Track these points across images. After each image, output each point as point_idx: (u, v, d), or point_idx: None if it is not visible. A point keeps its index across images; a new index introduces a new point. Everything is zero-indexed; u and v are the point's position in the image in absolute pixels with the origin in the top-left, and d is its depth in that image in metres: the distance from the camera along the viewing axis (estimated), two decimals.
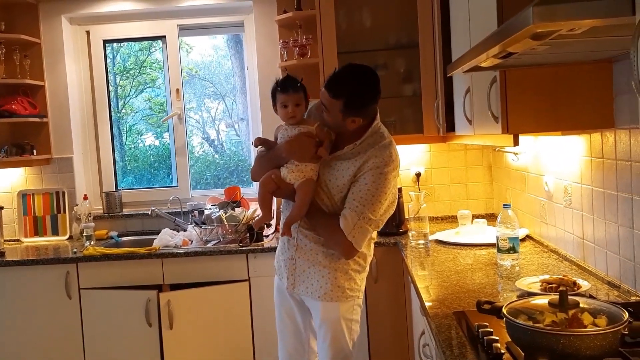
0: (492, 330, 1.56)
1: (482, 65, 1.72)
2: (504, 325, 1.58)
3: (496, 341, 1.47)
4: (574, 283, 1.94)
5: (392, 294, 3.13)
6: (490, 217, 3.47)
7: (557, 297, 1.39)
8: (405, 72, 3.53)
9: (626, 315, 1.30)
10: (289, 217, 2.17)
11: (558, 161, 2.46)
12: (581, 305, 1.39)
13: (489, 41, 1.48)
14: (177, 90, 3.94)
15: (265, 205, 2.25)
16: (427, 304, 1.97)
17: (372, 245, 2.32)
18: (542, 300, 1.46)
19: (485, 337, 1.51)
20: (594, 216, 2.13)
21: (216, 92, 4.44)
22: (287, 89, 2.15)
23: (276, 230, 3.36)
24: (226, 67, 4.43)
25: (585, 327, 1.30)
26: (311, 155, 2.13)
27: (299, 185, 2.14)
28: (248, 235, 3.23)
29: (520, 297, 1.91)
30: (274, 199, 2.55)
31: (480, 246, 2.83)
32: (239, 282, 3.17)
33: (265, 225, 3.20)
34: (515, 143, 1.99)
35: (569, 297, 1.40)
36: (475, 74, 2.31)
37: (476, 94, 2.34)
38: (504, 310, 1.40)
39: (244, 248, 3.15)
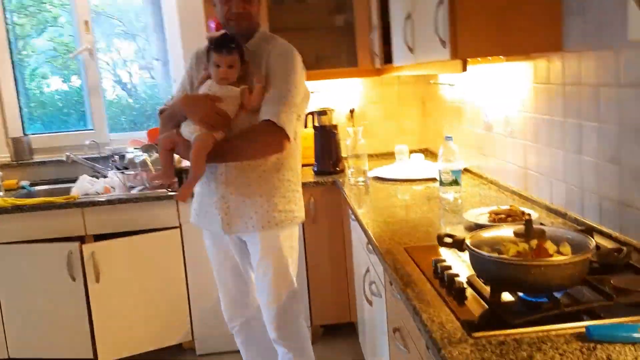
0: (450, 265, 1.50)
1: None
2: (457, 259, 1.54)
3: (457, 275, 1.41)
4: (523, 213, 1.92)
5: (330, 233, 3.06)
6: (426, 152, 3.43)
7: (522, 226, 1.33)
8: (336, 2, 3.34)
9: (593, 242, 1.26)
10: (187, 180, 2.03)
11: (499, 91, 2.40)
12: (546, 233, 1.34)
13: None
14: (86, 22, 3.55)
15: (164, 163, 2.12)
16: (376, 241, 1.89)
17: (300, 162, 2.25)
18: (503, 231, 1.40)
19: (445, 272, 1.44)
20: (537, 144, 2.10)
21: (126, 31, 4.06)
22: (220, 49, 2.02)
23: None
24: (136, 3, 4.04)
25: (551, 256, 1.25)
26: (202, 120, 1.99)
27: (194, 140, 2.00)
28: (177, 179, 3.01)
29: (469, 229, 1.88)
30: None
31: (419, 181, 2.78)
32: (170, 229, 2.98)
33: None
34: (464, 69, 1.90)
35: (534, 226, 1.34)
36: None
37: (419, 19, 2.22)
38: (468, 243, 1.33)
39: (173, 193, 2.94)
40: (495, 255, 1.25)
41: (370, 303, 2.27)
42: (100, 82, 3.69)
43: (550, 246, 1.30)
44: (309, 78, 2.25)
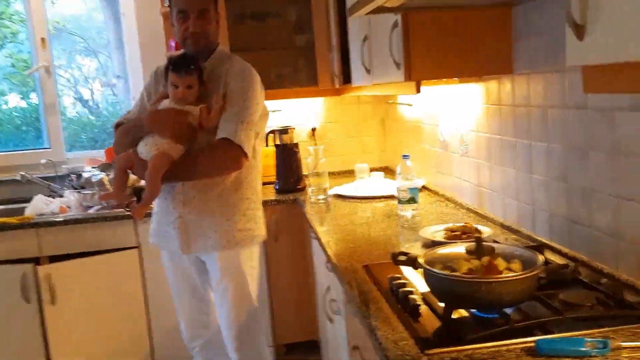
0: (406, 282, 1.53)
1: (387, 5, 1.63)
2: (409, 277, 1.56)
3: (411, 292, 1.44)
4: (476, 229, 1.96)
5: (293, 251, 3.06)
6: (386, 170, 3.48)
7: (474, 244, 1.37)
8: (297, 21, 3.38)
9: (541, 258, 1.30)
10: (143, 200, 2.01)
11: (454, 111, 2.47)
12: (495, 251, 1.38)
13: None
14: (43, 39, 3.49)
15: (117, 183, 2.10)
16: (335, 259, 1.91)
17: (260, 180, 2.25)
18: (456, 249, 1.44)
19: (400, 289, 1.47)
20: (490, 163, 2.16)
21: (88, 48, 4.01)
22: (179, 70, 2.01)
23: None
24: (98, 20, 4.00)
25: (501, 272, 1.29)
26: (174, 132, 1.98)
27: (150, 159, 1.98)
28: (135, 198, 2.97)
29: (426, 246, 1.91)
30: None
31: (379, 198, 2.82)
32: (128, 249, 2.93)
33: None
34: (417, 90, 1.95)
35: (485, 243, 1.38)
36: (374, 20, 2.23)
37: (375, 41, 2.27)
38: (421, 261, 1.36)
39: (131, 213, 2.90)
40: (447, 272, 1.28)
41: (331, 321, 2.27)
42: (58, 99, 3.63)
43: (500, 263, 1.33)
44: (270, 97, 2.27)
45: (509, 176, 2.02)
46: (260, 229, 2.20)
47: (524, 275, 1.23)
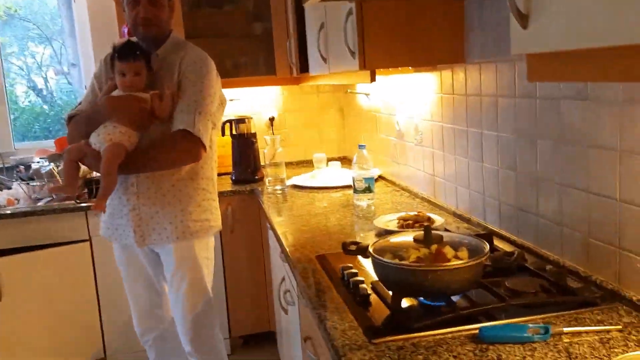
0: (357, 271, 1.52)
1: None
2: (364, 266, 1.56)
3: (362, 282, 1.44)
4: (429, 218, 1.98)
5: (249, 242, 3.03)
6: (344, 160, 3.48)
7: (422, 232, 1.37)
8: (254, 9, 3.33)
9: (487, 247, 1.31)
10: (100, 193, 1.96)
11: (409, 100, 2.47)
12: (443, 239, 1.38)
13: None
14: None
15: (67, 175, 2.02)
16: (288, 250, 1.89)
17: (215, 170, 2.21)
18: (406, 237, 1.44)
19: (350, 279, 1.46)
20: (444, 153, 2.18)
21: (41, 35, 3.87)
22: (124, 57, 1.95)
23: None
24: (51, 6, 3.86)
25: (449, 260, 1.30)
26: (131, 118, 1.93)
27: (104, 150, 1.92)
28: (86, 190, 2.90)
29: (379, 235, 1.91)
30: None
31: (336, 188, 2.82)
32: (79, 242, 2.84)
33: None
34: (372, 79, 1.94)
35: (433, 232, 1.38)
36: (330, 8, 2.21)
37: (331, 30, 2.25)
38: (371, 250, 1.35)
39: (82, 205, 2.82)
40: (394, 261, 1.28)
41: (286, 312, 2.26)
42: (5, 88, 3.49)
43: (449, 251, 1.34)
44: (226, 86, 2.22)
45: (461, 165, 2.04)
46: (215, 220, 2.16)
47: (469, 264, 1.24)
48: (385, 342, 1.16)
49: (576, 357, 1.06)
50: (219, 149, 3.19)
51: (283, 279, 2.27)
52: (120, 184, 2.03)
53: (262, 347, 3.12)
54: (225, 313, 3.04)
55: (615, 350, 1.07)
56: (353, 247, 1.42)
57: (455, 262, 1.26)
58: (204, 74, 2.02)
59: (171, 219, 2.04)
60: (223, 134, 3.08)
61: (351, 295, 1.42)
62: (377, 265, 1.32)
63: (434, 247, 1.35)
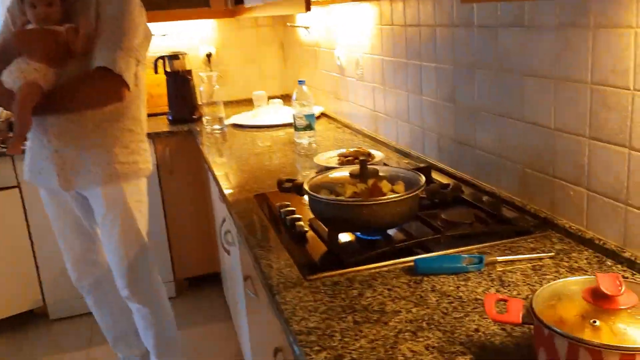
0: (294, 209, 1.49)
1: None
2: (304, 204, 1.52)
3: (299, 219, 1.40)
4: (369, 154, 1.95)
5: (190, 184, 2.95)
6: (286, 98, 3.39)
7: (358, 168, 1.33)
8: None
9: (423, 179, 1.29)
10: (14, 135, 1.82)
11: (349, 33, 2.39)
12: (380, 173, 1.36)
13: None
14: None
15: None
16: (227, 191, 1.84)
17: (144, 109, 2.08)
18: (343, 173, 1.40)
19: (287, 217, 1.42)
20: (384, 87, 2.13)
21: None
22: None
23: None
24: None
25: (385, 194, 1.27)
26: (45, 52, 1.78)
27: (18, 89, 1.78)
28: (12, 133, 2.72)
29: (320, 172, 1.87)
30: None
31: (278, 127, 2.75)
32: (7, 189, 2.70)
33: None
34: (307, 8, 1.84)
35: (369, 166, 1.35)
36: None
37: None
38: (306, 186, 1.31)
39: (6, 150, 2.65)
40: (328, 197, 1.25)
41: (228, 252, 2.22)
42: None
43: (385, 185, 1.32)
44: (154, 19, 2.08)
45: (401, 99, 2.00)
46: (145, 162, 2.06)
47: (403, 197, 1.21)
48: (321, 278, 1.14)
49: (508, 284, 1.07)
50: (153, 88, 3.08)
51: (224, 220, 2.22)
52: (39, 125, 1.90)
53: (208, 288, 3.10)
54: (169, 255, 2.99)
55: (547, 277, 1.09)
56: (288, 185, 1.37)
57: (389, 196, 1.23)
58: (124, 7, 1.87)
59: (96, 162, 1.93)
60: (156, 71, 2.93)
61: (288, 233, 1.39)
62: (313, 202, 1.29)
63: (370, 181, 1.33)
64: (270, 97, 3.09)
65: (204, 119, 2.83)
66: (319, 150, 2.21)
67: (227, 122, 2.85)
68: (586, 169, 1.19)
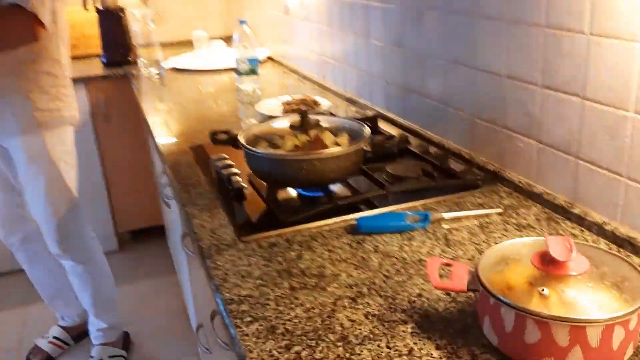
0: (232, 163, 1.38)
1: None
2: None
3: (237, 174, 1.30)
4: (315, 102, 1.85)
5: (128, 132, 2.78)
6: (229, 40, 3.20)
7: (298, 118, 1.24)
8: None
9: (367, 131, 1.20)
10: None
11: None
12: (322, 124, 1.26)
13: None
14: None
15: None
16: (162, 141, 1.71)
17: (65, 50, 1.90)
18: (284, 124, 1.30)
19: (224, 171, 1.32)
20: (331, 29, 2.01)
21: None
22: None
23: None
24: None
25: (327, 147, 1.18)
26: None
27: None
28: None
29: (261, 122, 1.76)
30: None
31: (221, 71, 2.59)
32: None
33: None
34: None
35: (310, 116, 1.25)
36: None
37: None
38: (241, 139, 1.21)
39: None
40: (264, 150, 1.15)
41: (168, 206, 2.11)
42: None
43: (327, 137, 1.23)
44: None
45: (348, 43, 1.89)
46: (70, 109, 1.90)
47: (345, 152, 1.13)
48: (257, 239, 1.06)
49: (455, 244, 1.01)
50: (84, 27, 2.84)
51: (163, 172, 2.10)
52: None
53: (153, 241, 2.99)
54: (108, 207, 2.85)
55: (494, 235, 1.04)
56: (223, 137, 1.26)
57: (331, 150, 1.14)
58: None
59: (12, 109, 1.76)
60: (86, 9, 2.69)
61: (225, 189, 1.29)
62: (249, 156, 1.19)
63: (312, 133, 1.23)
64: (211, 38, 2.91)
65: (139, 62, 2.64)
66: (264, 97, 2.09)
67: (165, 65, 2.66)
68: (537, 119, 1.12)
